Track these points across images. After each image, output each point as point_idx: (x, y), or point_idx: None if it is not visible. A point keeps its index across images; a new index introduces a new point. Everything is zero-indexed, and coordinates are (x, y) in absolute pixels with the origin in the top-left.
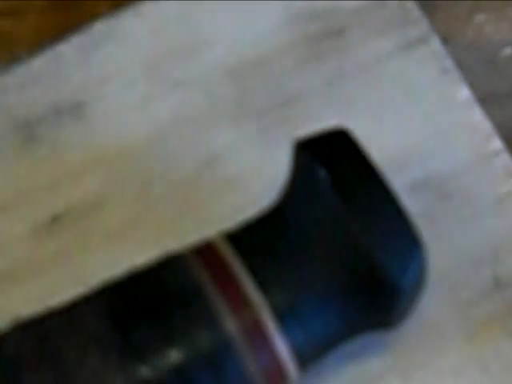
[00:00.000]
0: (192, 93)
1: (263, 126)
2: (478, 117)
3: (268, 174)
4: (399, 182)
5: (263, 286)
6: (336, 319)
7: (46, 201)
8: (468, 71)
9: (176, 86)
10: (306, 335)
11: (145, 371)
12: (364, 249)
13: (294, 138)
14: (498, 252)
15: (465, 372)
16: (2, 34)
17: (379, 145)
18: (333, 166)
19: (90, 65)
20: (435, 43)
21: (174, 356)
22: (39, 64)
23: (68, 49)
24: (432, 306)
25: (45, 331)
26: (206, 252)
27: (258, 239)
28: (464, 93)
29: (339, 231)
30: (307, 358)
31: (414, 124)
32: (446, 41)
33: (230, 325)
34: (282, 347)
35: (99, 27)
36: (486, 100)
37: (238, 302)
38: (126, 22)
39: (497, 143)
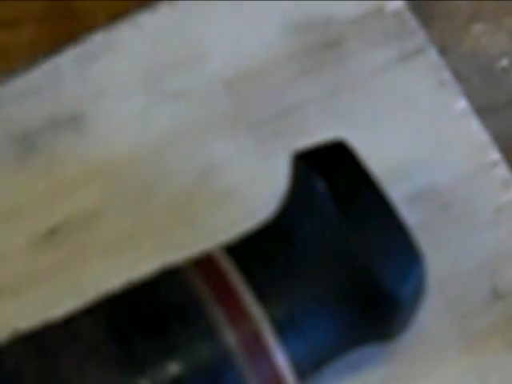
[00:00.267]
0: (189, 104)
1: (261, 137)
2: (475, 128)
3: (266, 185)
4: (398, 193)
5: (262, 298)
6: (335, 331)
7: (44, 213)
8: (465, 82)
9: (173, 98)
10: (305, 347)
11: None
12: (363, 261)
13: (293, 149)
14: (496, 263)
15: (463, 383)
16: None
17: (377, 156)
18: (331, 178)
19: (88, 77)
20: (432, 54)
21: (174, 368)
22: (37, 76)
23: (65, 61)
24: (431, 317)
25: (44, 344)
26: (205, 264)
27: (257, 251)
28: (461, 104)
29: (338, 243)
30: (307, 370)
31: (412, 135)
32: (443, 52)
33: (230, 337)
34: (281, 359)
35: (96, 39)
36: (484, 111)
37: (238, 314)
38: (123, 34)
39: (494, 154)
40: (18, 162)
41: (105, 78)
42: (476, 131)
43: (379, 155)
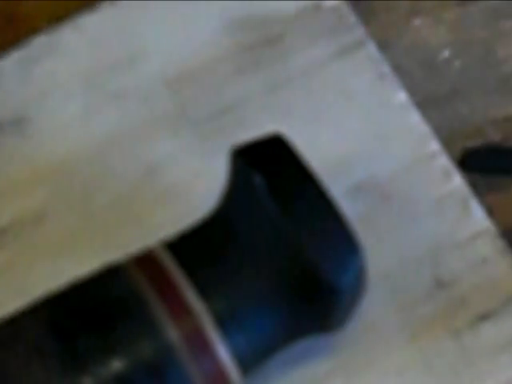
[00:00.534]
0: (131, 104)
1: (202, 135)
2: (415, 120)
3: (208, 182)
4: (339, 185)
5: (203, 293)
6: (277, 323)
7: None
8: (407, 75)
9: (115, 98)
10: (247, 341)
11: (88, 381)
12: (301, 252)
13: (232, 145)
14: (438, 252)
15: (408, 371)
16: None
17: (319, 150)
18: (269, 172)
19: (30, 79)
20: (371, 48)
21: (117, 365)
22: None
23: (8, 64)
24: (375, 307)
25: None
26: (146, 261)
27: (197, 247)
28: (401, 96)
29: (277, 237)
30: (250, 363)
31: (352, 128)
32: (384, 46)
33: (172, 333)
34: (224, 354)
35: (38, 42)
36: (425, 103)
37: (179, 310)
38: (65, 36)
39: (434, 145)
40: None
41: (47, 80)
42: (416, 123)
43: (320, 149)
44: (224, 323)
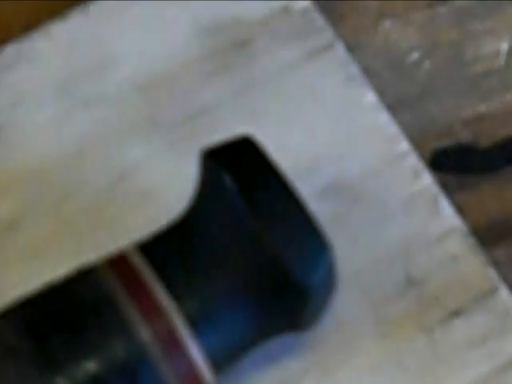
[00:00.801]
0: (103, 110)
1: (173, 139)
2: (384, 120)
3: (180, 185)
4: (310, 186)
5: (175, 294)
6: (248, 323)
7: None
8: (377, 77)
9: (87, 105)
10: (220, 340)
11: (61, 382)
12: (271, 253)
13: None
14: (409, 251)
15: (381, 369)
16: None
17: (289, 152)
18: (238, 173)
19: (2, 87)
20: (340, 50)
21: (90, 366)
22: None
23: None
24: (347, 306)
25: None
26: (117, 263)
27: (168, 248)
28: (370, 98)
29: (246, 237)
30: (222, 362)
31: (322, 130)
32: (353, 48)
33: (144, 334)
34: (196, 353)
35: (10, 50)
36: (396, 104)
37: (151, 311)
38: (36, 44)
39: (404, 145)
40: None
41: (19, 89)
42: (385, 124)
43: (290, 150)
44: (196, 323)
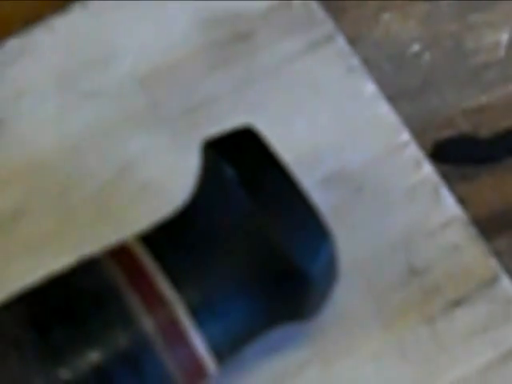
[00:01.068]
0: (105, 103)
1: (175, 131)
2: (385, 111)
3: (182, 177)
4: (311, 177)
5: (177, 283)
6: (251, 311)
7: None
8: (378, 69)
9: (89, 98)
10: (222, 329)
11: (64, 372)
12: (272, 240)
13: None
14: (410, 240)
15: (384, 359)
16: None
17: (291, 143)
18: (239, 163)
19: (5, 81)
20: (341, 42)
21: (93, 356)
22: None
23: None
24: (350, 295)
25: None
26: (120, 254)
27: (170, 239)
28: (370, 89)
29: (248, 226)
30: (225, 352)
31: (323, 121)
32: (354, 41)
33: (147, 323)
34: (198, 343)
35: (12, 43)
36: (397, 96)
37: (153, 300)
38: (38, 38)
39: (405, 135)
40: None
41: (21, 82)
42: (385, 114)
43: (292, 142)
44: (198, 312)
